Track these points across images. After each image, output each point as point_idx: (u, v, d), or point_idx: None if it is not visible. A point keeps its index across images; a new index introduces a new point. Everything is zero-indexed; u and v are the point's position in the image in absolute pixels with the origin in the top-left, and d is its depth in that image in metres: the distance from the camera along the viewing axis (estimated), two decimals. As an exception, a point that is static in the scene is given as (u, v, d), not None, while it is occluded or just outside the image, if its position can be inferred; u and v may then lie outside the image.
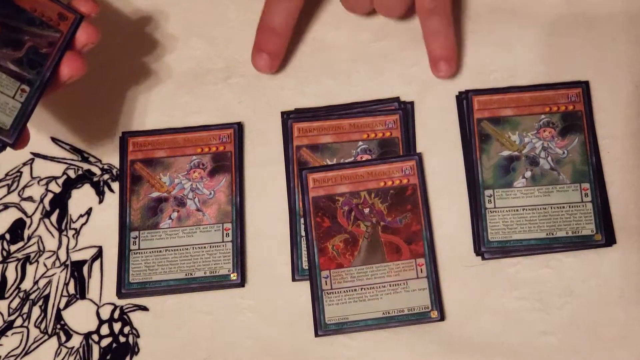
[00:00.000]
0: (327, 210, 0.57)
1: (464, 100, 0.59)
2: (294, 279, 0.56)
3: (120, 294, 0.56)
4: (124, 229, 0.58)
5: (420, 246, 0.56)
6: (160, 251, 0.57)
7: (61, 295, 0.57)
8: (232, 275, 0.56)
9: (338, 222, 0.56)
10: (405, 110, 0.59)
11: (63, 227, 0.59)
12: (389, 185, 0.57)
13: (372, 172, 0.57)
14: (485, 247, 0.56)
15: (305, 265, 0.56)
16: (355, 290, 0.55)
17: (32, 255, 0.58)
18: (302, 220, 0.57)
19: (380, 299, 0.55)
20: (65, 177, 0.60)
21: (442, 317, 0.55)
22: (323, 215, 0.56)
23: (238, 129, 0.60)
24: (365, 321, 0.55)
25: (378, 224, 0.56)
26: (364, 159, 0.58)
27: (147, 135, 0.60)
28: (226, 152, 0.59)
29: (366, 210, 0.57)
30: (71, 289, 0.57)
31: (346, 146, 0.58)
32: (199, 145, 0.59)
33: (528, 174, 0.57)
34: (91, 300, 0.57)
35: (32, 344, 0.56)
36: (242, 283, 0.56)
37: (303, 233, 0.57)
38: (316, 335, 0.55)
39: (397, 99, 0.59)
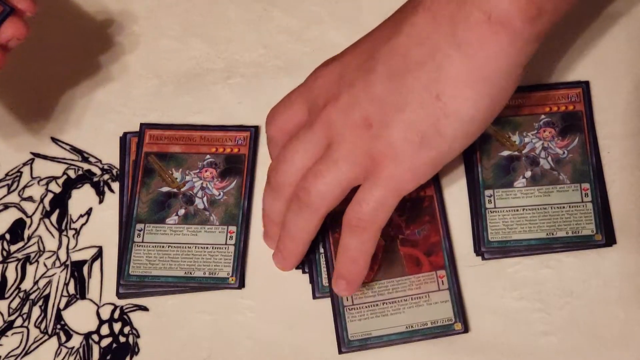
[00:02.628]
0: None
1: (464, 100, 0.59)
2: (314, 297, 0.56)
3: (118, 284, 0.56)
4: (130, 219, 0.57)
5: (441, 257, 0.56)
6: (163, 246, 0.57)
7: (61, 295, 0.57)
8: (230, 279, 0.56)
9: None
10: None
11: (63, 227, 0.58)
12: (405, 198, 0.57)
13: None
14: (485, 247, 0.56)
15: (324, 282, 0.56)
16: (377, 305, 0.55)
17: (32, 255, 0.58)
18: (319, 237, 0.56)
19: (402, 313, 0.55)
20: (65, 177, 0.60)
21: (466, 329, 0.54)
22: (341, 231, 0.56)
23: (254, 132, 0.59)
24: (389, 336, 0.54)
25: (396, 237, 0.56)
26: None
27: (164, 129, 0.60)
28: (240, 155, 0.59)
29: None
30: (71, 289, 0.57)
31: None
32: (214, 145, 0.59)
33: (528, 174, 0.57)
34: (91, 300, 0.57)
35: (32, 344, 0.56)
36: (239, 287, 0.56)
37: (321, 250, 0.56)
38: (340, 352, 0.54)
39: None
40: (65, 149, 0.60)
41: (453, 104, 0.49)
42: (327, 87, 0.52)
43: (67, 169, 0.60)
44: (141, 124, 0.60)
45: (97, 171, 0.60)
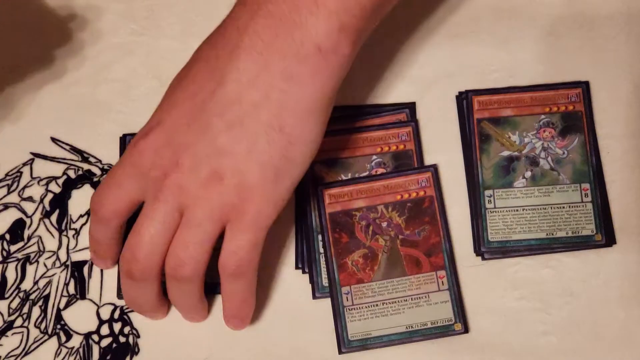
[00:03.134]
0: (345, 226, 0.56)
1: (464, 100, 0.59)
2: (314, 297, 0.56)
3: (120, 296, 0.56)
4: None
5: (441, 258, 0.56)
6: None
7: (61, 296, 0.57)
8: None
9: (356, 237, 0.56)
10: (416, 122, 0.59)
11: (63, 227, 0.58)
12: (405, 198, 0.57)
13: (388, 186, 0.57)
14: (485, 247, 0.56)
15: (325, 282, 0.56)
16: (377, 305, 0.55)
17: (32, 255, 0.58)
18: (319, 237, 0.57)
19: (402, 313, 0.55)
20: (65, 177, 0.60)
21: (465, 330, 0.55)
22: (341, 231, 0.56)
23: None
24: (389, 336, 0.54)
25: (397, 238, 0.56)
26: (378, 172, 0.58)
27: None
28: None
29: (384, 224, 0.56)
30: (71, 289, 0.57)
31: (360, 160, 0.58)
32: None
33: (528, 174, 0.57)
34: (91, 300, 0.57)
35: (32, 344, 0.56)
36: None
37: (321, 250, 0.56)
38: (340, 352, 0.54)
39: (409, 105, 0.59)
40: (65, 149, 0.60)
41: (296, 131, 0.50)
42: (157, 157, 0.51)
43: (67, 169, 0.60)
44: (124, 135, 0.60)
45: (97, 171, 0.60)
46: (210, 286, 0.54)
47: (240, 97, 0.50)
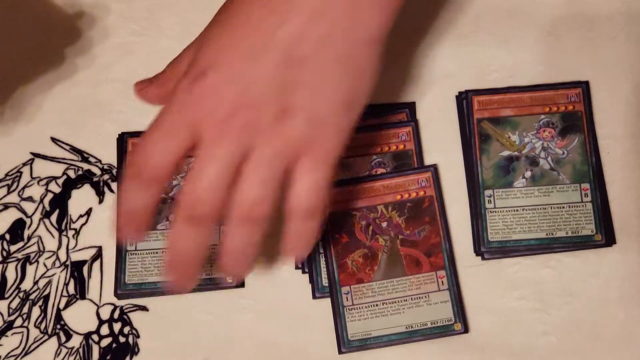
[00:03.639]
0: (345, 226, 0.56)
1: (464, 100, 0.59)
2: (314, 297, 0.56)
3: (117, 295, 0.56)
4: None
5: (440, 258, 0.56)
6: (157, 252, 0.57)
7: (61, 295, 0.57)
8: (228, 278, 0.56)
9: (356, 237, 0.56)
10: (416, 122, 0.59)
11: (63, 227, 0.59)
12: (405, 198, 0.57)
13: (388, 186, 0.57)
14: (485, 247, 0.56)
15: (324, 282, 0.56)
16: (377, 305, 0.55)
17: (32, 255, 0.58)
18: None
19: (402, 313, 0.55)
20: (65, 177, 0.60)
21: (465, 329, 0.55)
22: (341, 231, 0.56)
23: None
24: (389, 336, 0.54)
25: (397, 238, 0.56)
26: (378, 172, 0.58)
27: None
28: None
29: (384, 224, 0.56)
30: (71, 289, 0.57)
31: (360, 160, 0.58)
32: None
33: (528, 174, 0.57)
34: (91, 300, 0.57)
35: (32, 344, 0.56)
36: (241, 284, 0.56)
37: (321, 250, 0.56)
38: (340, 352, 0.54)
39: (409, 105, 0.59)
40: (65, 149, 0.60)
41: (363, 63, 0.49)
42: (219, 97, 0.48)
43: (67, 169, 0.60)
44: (122, 133, 0.60)
45: (97, 171, 0.60)
46: (207, 281, 0.54)
47: (305, 33, 0.49)
